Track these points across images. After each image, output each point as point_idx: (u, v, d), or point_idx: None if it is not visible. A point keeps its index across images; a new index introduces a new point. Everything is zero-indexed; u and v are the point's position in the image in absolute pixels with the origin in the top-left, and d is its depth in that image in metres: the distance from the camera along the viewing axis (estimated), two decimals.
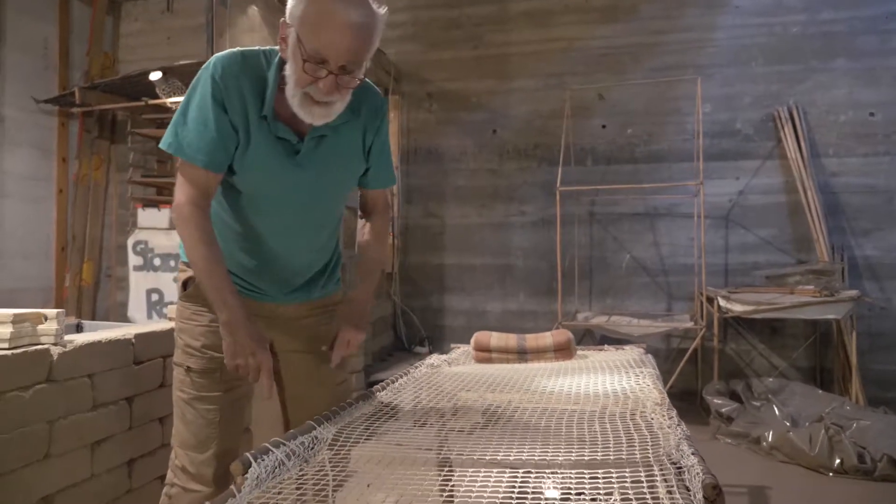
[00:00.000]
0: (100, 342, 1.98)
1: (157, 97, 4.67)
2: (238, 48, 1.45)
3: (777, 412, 3.64)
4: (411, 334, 5.18)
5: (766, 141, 4.64)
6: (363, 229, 1.73)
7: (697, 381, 4.49)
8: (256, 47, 1.47)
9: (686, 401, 4.40)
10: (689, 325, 4.23)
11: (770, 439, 3.46)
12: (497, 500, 1.02)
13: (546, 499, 1.03)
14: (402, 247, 5.22)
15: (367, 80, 1.48)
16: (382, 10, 1.37)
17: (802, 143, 4.46)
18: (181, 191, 1.43)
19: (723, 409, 3.83)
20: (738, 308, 4.02)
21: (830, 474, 3.18)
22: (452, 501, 1.07)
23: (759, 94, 4.66)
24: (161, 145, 1.43)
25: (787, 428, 3.46)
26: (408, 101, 5.27)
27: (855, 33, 4.52)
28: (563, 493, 1.04)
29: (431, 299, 5.19)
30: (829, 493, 2.99)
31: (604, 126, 4.92)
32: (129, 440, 2.09)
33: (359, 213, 1.78)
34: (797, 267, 4.31)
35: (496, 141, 5.12)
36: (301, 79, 1.34)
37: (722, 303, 4.07)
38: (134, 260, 4.43)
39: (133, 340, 2.11)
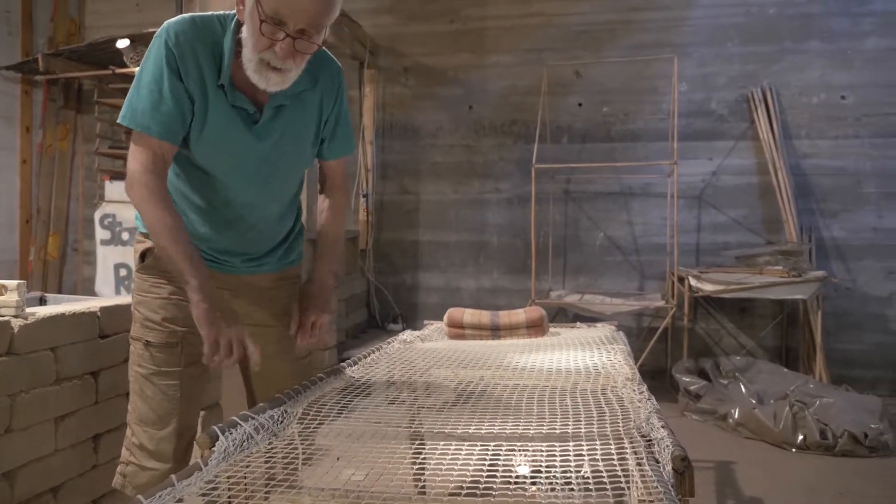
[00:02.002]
0: (63, 315, 1.93)
1: (124, 65, 4.54)
2: (190, 14, 1.40)
3: (743, 390, 3.71)
4: (385, 311, 5.16)
5: (739, 122, 4.68)
6: (322, 205, 1.67)
7: (667, 359, 4.55)
8: (210, 12, 1.41)
9: (656, 379, 4.47)
10: (661, 304, 4.27)
11: (736, 416, 3.53)
12: (468, 473, 1.02)
13: (517, 475, 1.03)
14: (376, 223, 5.18)
15: (324, 48, 1.44)
16: None
17: (775, 125, 4.49)
18: (135, 159, 1.38)
19: (691, 387, 3.90)
20: (708, 288, 4.08)
21: (793, 450, 3.26)
22: (423, 475, 1.07)
23: (735, 74, 4.67)
24: (119, 120, 1.38)
25: (753, 405, 3.53)
26: (384, 76, 5.19)
27: (829, 15, 4.55)
28: (533, 469, 1.04)
29: (405, 276, 5.17)
30: (792, 467, 3.06)
31: (580, 104, 4.91)
32: (94, 415, 2.05)
33: (318, 187, 1.70)
34: (766, 248, 4.37)
35: (472, 117, 5.08)
36: (258, 42, 1.30)
37: (693, 282, 4.11)
38: (101, 234, 4.33)
39: (98, 314, 2.06)
